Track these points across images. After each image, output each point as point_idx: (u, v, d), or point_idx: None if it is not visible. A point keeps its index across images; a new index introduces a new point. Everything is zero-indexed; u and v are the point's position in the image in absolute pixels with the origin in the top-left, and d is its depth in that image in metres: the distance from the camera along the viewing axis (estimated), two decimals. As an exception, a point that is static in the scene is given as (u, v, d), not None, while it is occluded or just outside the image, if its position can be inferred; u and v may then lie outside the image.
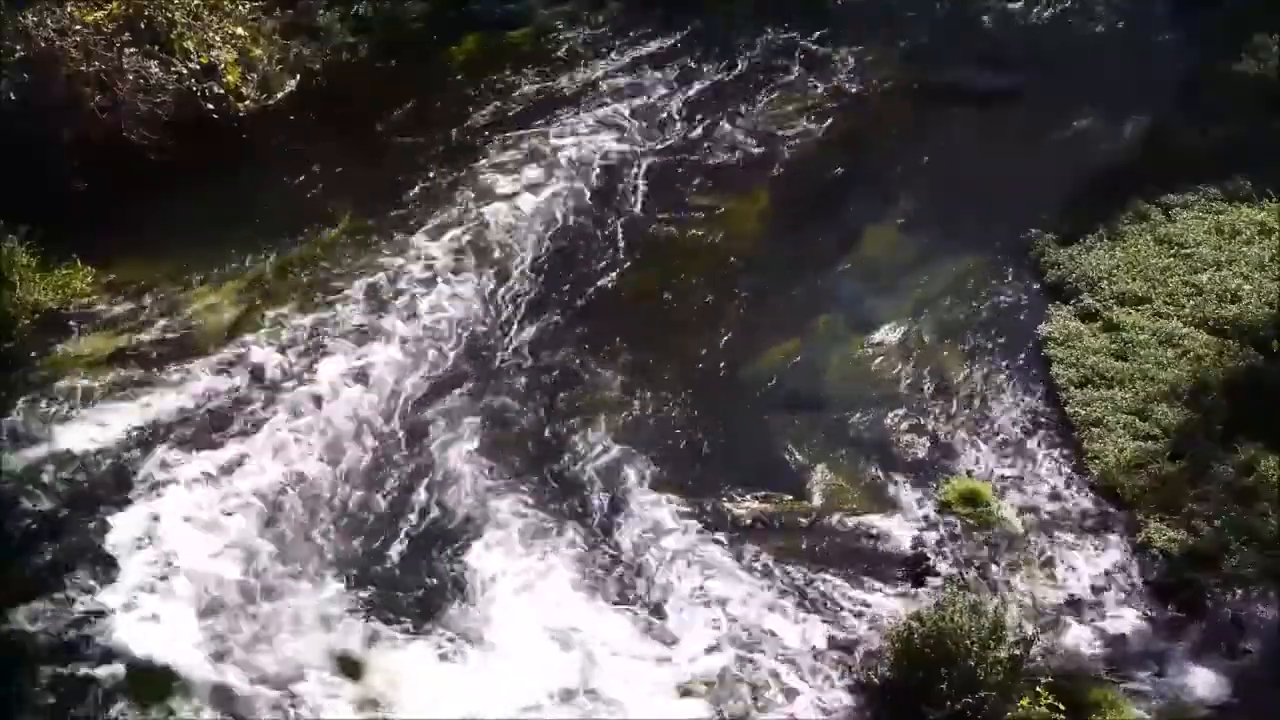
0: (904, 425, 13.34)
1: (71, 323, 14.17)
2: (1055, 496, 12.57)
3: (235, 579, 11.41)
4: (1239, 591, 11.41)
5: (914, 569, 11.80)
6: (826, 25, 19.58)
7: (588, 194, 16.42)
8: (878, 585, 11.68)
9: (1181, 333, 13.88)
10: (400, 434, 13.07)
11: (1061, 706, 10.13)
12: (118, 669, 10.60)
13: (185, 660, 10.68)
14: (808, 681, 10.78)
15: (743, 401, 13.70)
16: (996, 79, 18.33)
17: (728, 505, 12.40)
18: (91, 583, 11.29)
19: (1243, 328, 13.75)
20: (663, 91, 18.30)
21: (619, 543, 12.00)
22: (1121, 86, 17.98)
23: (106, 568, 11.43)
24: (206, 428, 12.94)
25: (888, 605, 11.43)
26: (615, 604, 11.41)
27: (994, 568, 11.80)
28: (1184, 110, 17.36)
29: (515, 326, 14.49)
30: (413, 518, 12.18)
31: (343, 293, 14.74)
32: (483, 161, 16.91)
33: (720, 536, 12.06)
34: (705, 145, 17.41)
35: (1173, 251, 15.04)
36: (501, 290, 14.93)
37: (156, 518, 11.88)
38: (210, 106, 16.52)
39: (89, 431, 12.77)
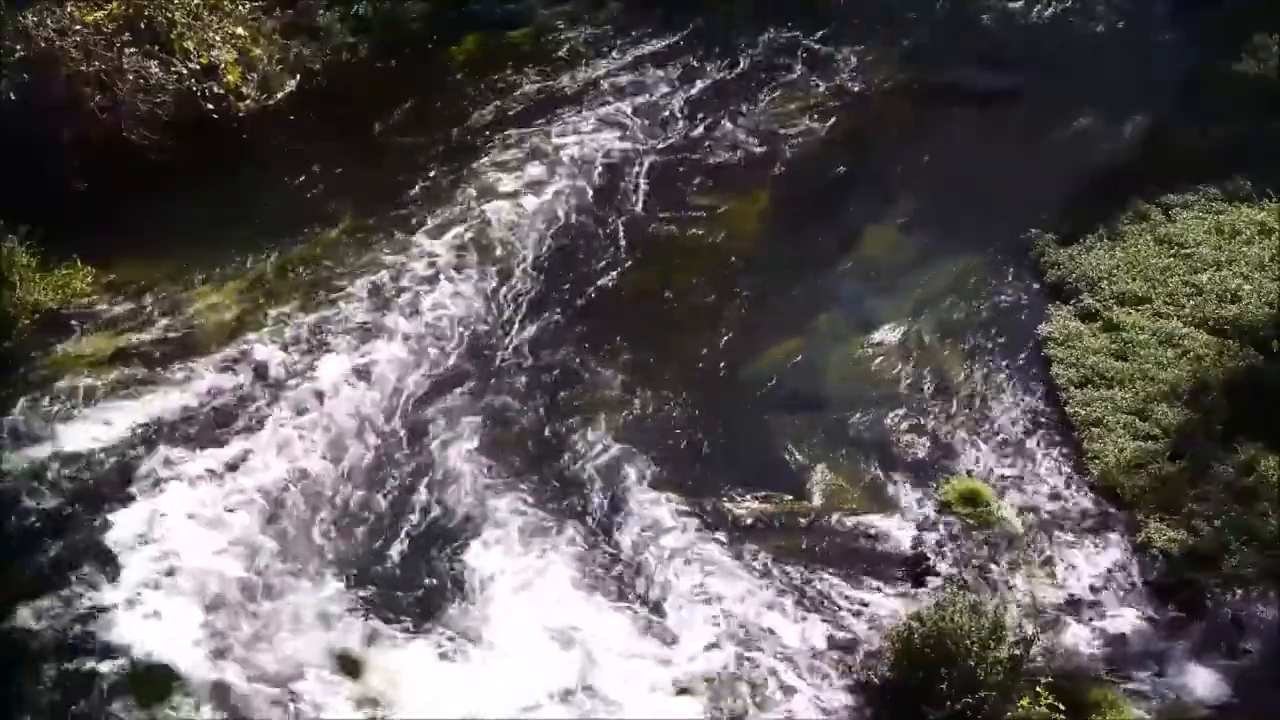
0: (904, 425, 13.34)
1: (72, 323, 14.18)
2: (1055, 496, 12.57)
3: (236, 577, 11.43)
4: (1239, 591, 11.41)
5: (914, 569, 11.80)
6: (827, 25, 19.59)
7: (588, 193, 16.43)
8: (878, 585, 11.68)
9: (1181, 333, 13.88)
10: (401, 432, 13.08)
11: (1061, 706, 10.13)
12: (119, 666, 10.61)
13: (186, 658, 10.69)
14: (807, 681, 10.78)
15: (743, 401, 13.70)
16: (996, 79, 18.34)
17: (728, 505, 12.41)
18: (94, 580, 11.31)
19: (1243, 328, 13.76)
20: (663, 91, 18.31)
21: (619, 542, 12.00)
22: (1121, 86, 17.98)
23: (109, 565, 11.45)
24: (208, 426, 12.95)
25: (888, 605, 11.44)
26: (615, 603, 11.42)
27: (994, 568, 11.80)
28: (1184, 110, 17.36)
29: (516, 325, 14.50)
30: (413, 516, 12.19)
31: (344, 291, 14.75)
32: (483, 161, 16.92)
33: (720, 536, 12.06)
34: (706, 144, 17.42)
35: (1173, 251, 15.04)
36: (502, 289, 14.95)
37: (158, 515, 11.89)
38: (210, 106, 16.52)
39: (91, 430, 12.78)
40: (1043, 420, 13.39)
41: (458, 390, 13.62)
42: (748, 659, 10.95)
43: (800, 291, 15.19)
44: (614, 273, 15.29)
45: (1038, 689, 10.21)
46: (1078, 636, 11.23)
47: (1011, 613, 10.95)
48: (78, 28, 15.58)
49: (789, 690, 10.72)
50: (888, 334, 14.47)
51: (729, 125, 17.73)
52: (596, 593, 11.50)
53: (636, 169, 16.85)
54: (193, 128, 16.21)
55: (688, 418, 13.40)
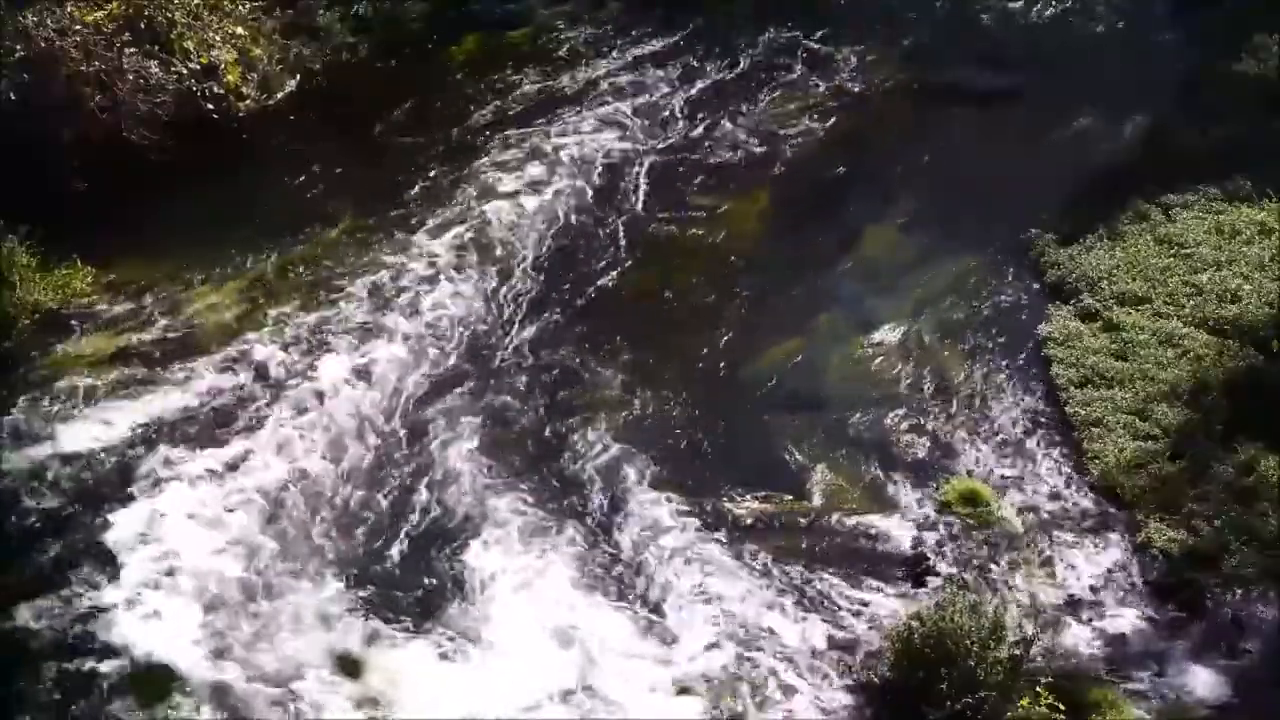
0: (904, 425, 13.34)
1: (72, 323, 14.18)
2: (1055, 496, 12.57)
3: (236, 576, 11.43)
4: (1239, 591, 11.41)
5: (914, 569, 11.80)
6: (826, 25, 19.58)
7: (588, 193, 16.43)
8: (878, 585, 11.68)
9: (1181, 333, 13.88)
10: (401, 432, 13.08)
11: (1061, 706, 10.13)
12: (120, 666, 10.62)
13: (186, 658, 10.70)
14: (807, 681, 10.78)
15: (743, 401, 13.70)
16: (996, 79, 18.33)
17: (728, 505, 12.41)
18: (94, 580, 11.32)
19: (1243, 328, 13.75)
20: (663, 91, 18.30)
21: (619, 541, 12.00)
22: (1121, 86, 17.97)
23: (109, 565, 11.45)
24: (208, 425, 12.95)
25: (888, 605, 11.43)
26: (615, 603, 11.41)
27: (994, 568, 11.80)
28: (1184, 110, 17.36)
29: (516, 325, 14.50)
30: (413, 516, 12.19)
31: (344, 291, 14.75)
32: (483, 161, 16.92)
33: (720, 536, 12.06)
34: (706, 144, 17.42)
35: (1173, 251, 15.04)
36: (502, 288, 14.95)
37: (158, 515, 11.90)
38: (210, 106, 16.51)
39: (91, 429, 12.78)
40: (1043, 420, 13.39)
41: (458, 390, 13.62)
42: (748, 659, 10.95)
43: (800, 291, 15.19)
44: (614, 272, 15.29)
45: (1038, 689, 10.21)
46: (1078, 636, 11.23)
47: (1011, 613, 10.95)
48: (78, 28, 15.58)
49: (789, 690, 10.72)
50: (888, 334, 14.47)
51: (729, 125, 17.73)
52: (596, 592, 11.50)
53: (636, 169, 16.85)
54: (193, 128, 16.21)
55: (688, 418, 13.40)
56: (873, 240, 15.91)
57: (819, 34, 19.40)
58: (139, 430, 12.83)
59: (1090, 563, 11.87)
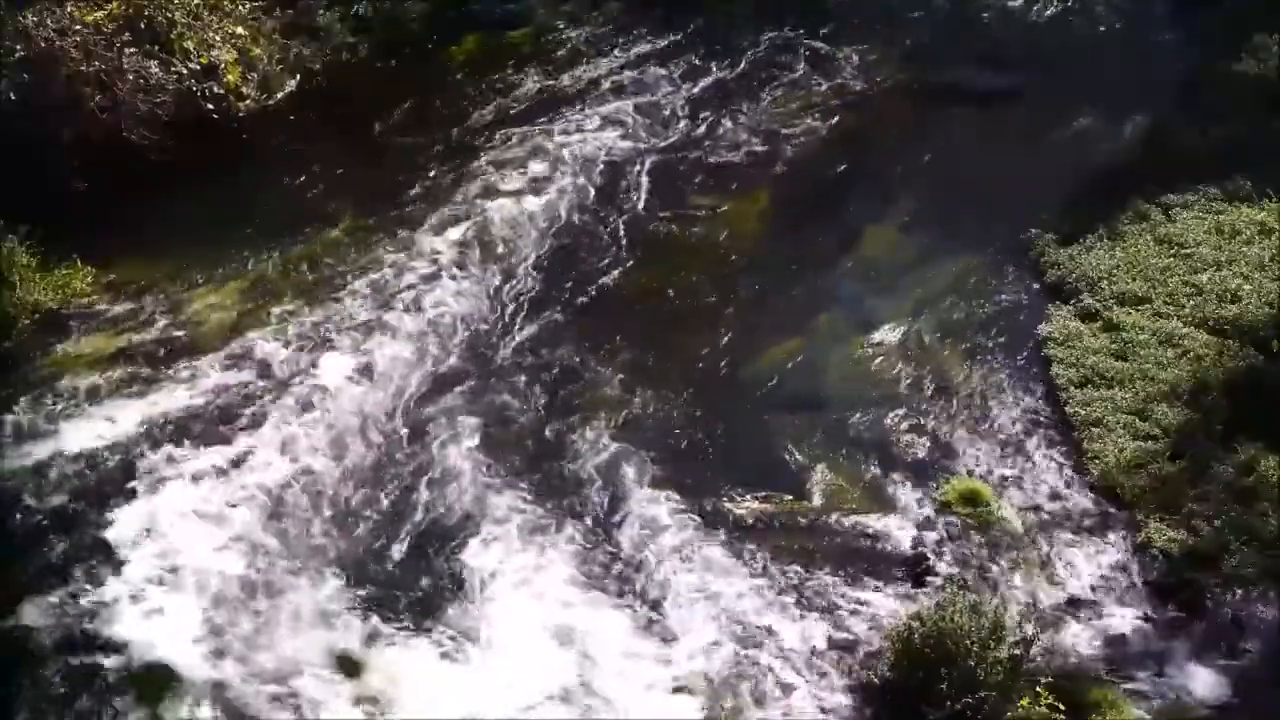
0: (904, 425, 13.34)
1: (72, 323, 14.17)
2: (1055, 496, 12.57)
3: (237, 574, 11.43)
4: (1239, 591, 11.41)
5: (914, 569, 11.80)
6: (827, 25, 19.59)
7: (589, 192, 16.43)
8: (878, 585, 11.68)
9: (1181, 333, 13.88)
10: (402, 430, 13.08)
11: (1061, 706, 10.13)
12: (121, 663, 10.63)
13: (187, 656, 10.70)
14: (807, 680, 10.78)
15: (743, 401, 13.70)
16: (996, 79, 18.34)
17: (727, 504, 12.41)
18: (95, 577, 11.32)
19: (1243, 328, 13.76)
20: (664, 90, 18.31)
21: (619, 541, 12.00)
22: (1121, 86, 17.98)
23: (110, 562, 11.46)
24: (210, 423, 12.95)
25: (887, 605, 11.44)
26: (614, 602, 11.41)
27: (994, 568, 11.80)
28: (1184, 110, 17.37)
29: (517, 324, 14.50)
30: (413, 515, 12.19)
31: (345, 290, 14.76)
32: (484, 160, 16.92)
33: (720, 535, 12.06)
34: (706, 144, 17.43)
35: (1173, 251, 15.04)
36: (503, 287, 14.95)
37: (160, 513, 11.90)
38: (210, 106, 16.51)
39: (92, 428, 12.78)
40: (1043, 420, 13.39)
41: (458, 388, 13.62)
42: (747, 658, 10.95)
43: (800, 291, 15.19)
44: (614, 272, 15.29)
45: (1038, 689, 10.21)
46: (1078, 636, 11.23)
47: (1011, 613, 10.95)
48: (78, 28, 15.57)
49: (788, 689, 10.72)
50: (888, 334, 14.47)
51: (728, 125, 17.73)
52: (596, 591, 11.50)
53: (637, 168, 16.86)
54: (193, 128, 16.20)
55: (688, 417, 13.41)
56: (873, 240, 15.92)
57: (819, 34, 19.40)
58: (141, 428, 12.82)
59: (1090, 563, 11.88)
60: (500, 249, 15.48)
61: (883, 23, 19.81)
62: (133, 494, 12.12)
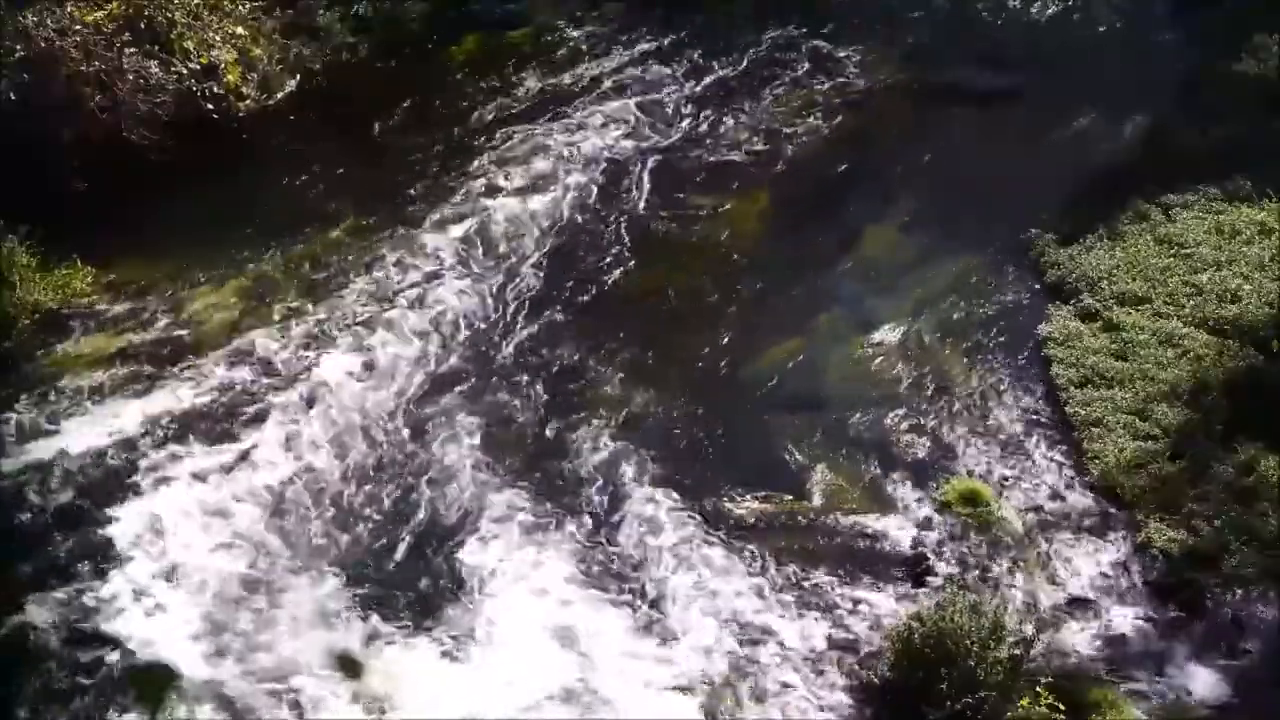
0: (904, 425, 13.34)
1: (72, 323, 14.16)
2: (1055, 496, 12.57)
3: (238, 573, 11.44)
4: (1239, 591, 11.42)
5: (914, 569, 11.80)
6: (826, 25, 19.57)
7: (590, 192, 16.41)
8: (877, 585, 11.68)
9: (1181, 333, 13.88)
10: (403, 429, 13.09)
11: (1061, 706, 10.13)
12: (121, 662, 10.64)
13: (187, 655, 10.71)
14: (807, 680, 10.78)
15: (743, 400, 13.70)
16: (996, 79, 18.33)
17: (727, 504, 12.41)
18: (96, 576, 11.32)
19: (1243, 328, 13.76)
20: (665, 89, 18.30)
21: (619, 540, 12.00)
22: (1121, 86, 17.98)
23: (111, 561, 11.46)
24: (211, 422, 12.96)
25: (887, 605, 11.44)
26: (614, 602, 11.41)
27: (994, 568, 11.80)
28: (1184, 110, 17.36)
29: (518, 322, 14.50)
30: (413, 513, 12.20)
31: (345, 289, 14.75)
32: (484, 160, 16.91)
33: (720, 535, 12.06)
34: (708, 142, 17.42)
35: (1173, 251, 15.04)
36: (504, 287, 14.95)
37: (161, 511, 11.91)
38: (210, 106, 16.48)
39: (93, 428, 12.78)
40: (1043, 420, 13.40)
41: (459, 388, 13.63)
42: (747, 658, 10.95)
43: (800, 291, 15.19)
44: (615, 271, 15.29)
45: (1038, 689, 10.21)
46: (1078, 636, 11.24)
47: (1011, 613, 10.95)
48: (78, 28, 15.55)
49: (788, 689, 10.72)
50: (888, 334, 14.47)
51: (730, 124, 17.72)
52: (596, 591, 11.50)
53: (638, 167, 16.86)
54: (193, 128, 16.18)
55: (688, 417, 13.41)
56: (873, 240, 15.91)
57: (819, 34, 19.37)
58: (143, 426, 12.83)
59: (1090, 563, 11.88)
60: (501, 247, 15.48)
61: (883, 22, 19.79)
62: (134, 492, 12.12)
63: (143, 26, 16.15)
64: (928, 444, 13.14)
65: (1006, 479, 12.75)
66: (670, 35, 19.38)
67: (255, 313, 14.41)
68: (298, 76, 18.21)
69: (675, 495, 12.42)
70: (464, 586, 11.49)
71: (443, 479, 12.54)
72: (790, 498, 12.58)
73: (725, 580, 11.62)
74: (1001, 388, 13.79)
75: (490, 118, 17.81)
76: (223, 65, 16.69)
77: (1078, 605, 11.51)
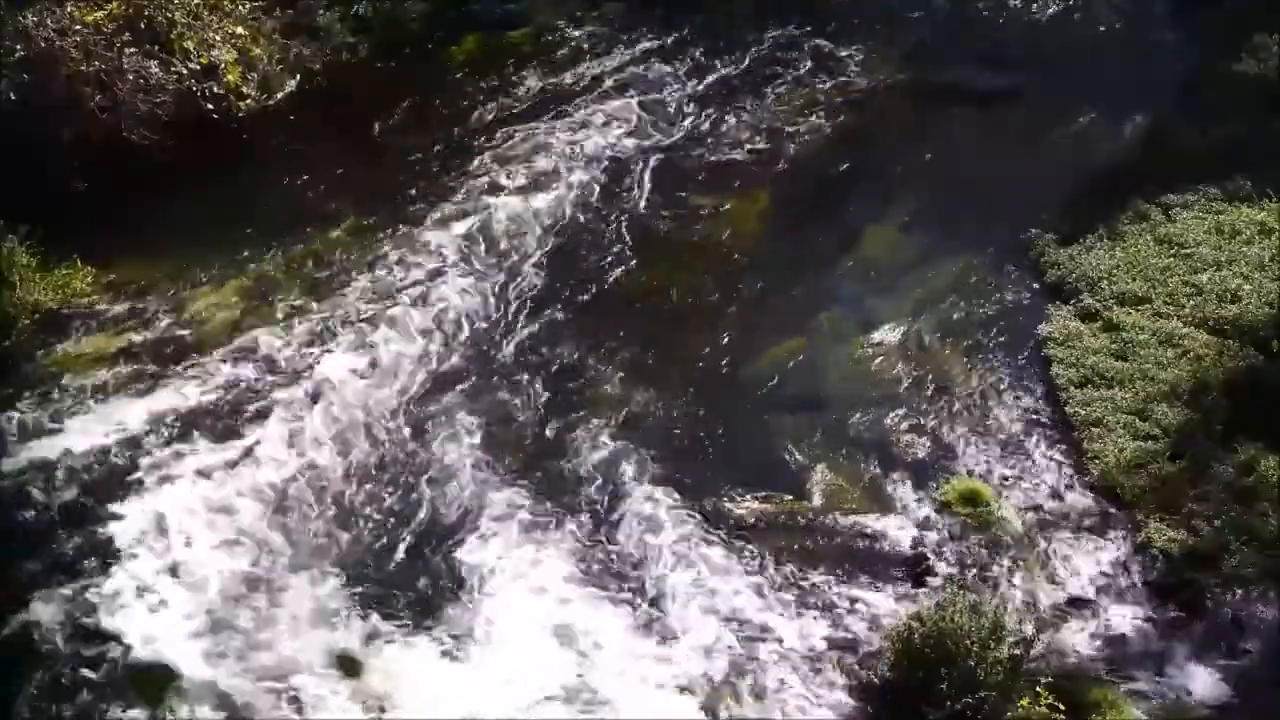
0: (904, 425, 13.34)
1: (72, 323, 14.16)
2: (1055, 496, 12.57)
3: (239, 572, 11.44)
4: (1239, 591, 11.42)
5: (914, 569, 11.80)
6: (826, 25, 19.58)
7: (590, 192, 16.42)
8: (877, 585, 11.68)
9: (1181, 333, 13.88)
10: (404, 429, 13.09)
11: (1061, 706, 10.13)
12: (122, 660, 10.64)
13: (188, 654, 10.71)
14: (806, 680, 10.78)
15: (743, 400, 13.70)
16: (996, 79, 18.33)
17: (727, 504, 12.41)
18: (97, 574, 11.32)
19: (1243, 328, 13.76)
20: (666, 88, 18.30)
21: (619, 539, 12.00)
22: (1121, 86, 17.98)
23: (112, 559, 11.46)
24: (212, 420, 12.97)
25: (887, 605, 11.44)
26: (614, 601, 11.41)
27: (994, 568, 11.80)
28: (1184, 110, 17.36)
29: (519, 321, 14.51)
30: (414, 512, 12.20)
31: (346, 289, 14.76)
32: (484, 160, 16.91)
33: (720, 535, 12.06)
34: (709, 141, 17.43)
35: (1173, 251, 15.04)
36: (505, 286, 14.95)
37: (164, 509, 11.91)
38: (210, 106, 16.48)
39: (93, 427, 12.78)
40: (1043, 420, 13.40)
41: (460, 386, 13.63)
42: (747, 658, 10.95)
43: (801, 291, 15.20)
44: (616, 270, 15.30)
45: (1038, 689, 10.21)
46: (1078, 636, 11.24)
47: (1011, 613, 10.95)
48: (78, 28, 15.55)
49: (788, 689, 10.72)
50: (888, 334, 14.47)
51: (731, 122, 17.73)
52: (596, 589, 11.50)
53: (639, 166, 16.87)
54: (193, 128, 16.18)
55: (688, 416, 13.41)
56: (873, 240, 15.92)
57: (819, 34, 19.38)
58: (139, 427, 12.82)
59: (1090, 563, 11.88)
60: (502, 246, 15.48)
61: (883, 22, 19.80)
62: (138, 489, 12.13)
63: (143, 26, 16.15)
64: (928, 444, 13.14)
65: (1006, 479, 12.75)
66: (671, 35, 19.38)
67: (257, 311, 14.42)
68: (298, 76, 18.21)
69: (675, 494, 12.43)
70: (464, 585, 11.50)
71: (443, 477, 12.55)
72: (790, 497, 12.58)
73: (725, 579, 11.63)
74: (1001, 388, 13.79)
75: (491, 117, 17.81)
76: (223, 65, 16.69)
77: (1078, 605, 11.51)
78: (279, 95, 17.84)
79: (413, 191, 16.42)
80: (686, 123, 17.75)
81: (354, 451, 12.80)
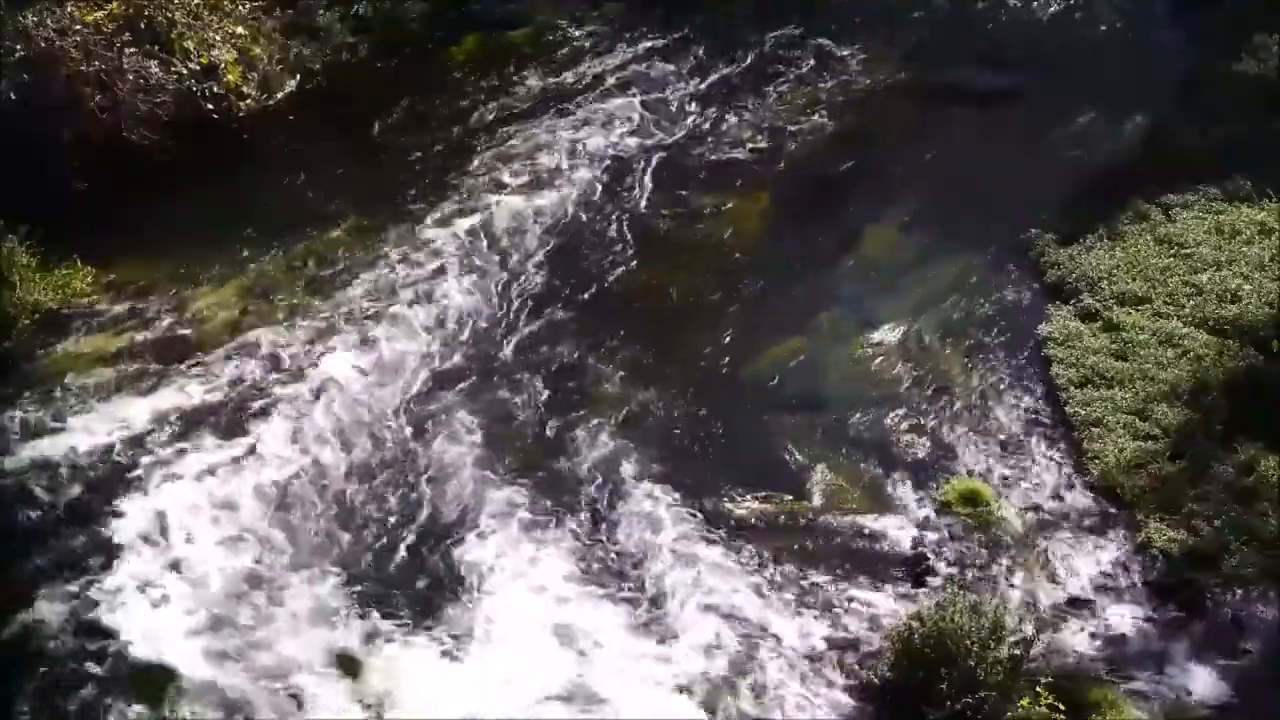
0: (904, 425, 13.34)
1: (72, 323, 14.17)
2: (1055, 496, 12.57)
3: (239, 571, 11.45)
4: (1239, 591, 11.41)
5: (914, 569, 11.80)
6: (826, 25, 19.59)
7: (590, 191, 16.43)
8: (877, 585, 11.68)
9: (1181, 333, 13.88)
10: (405, 428, 13.10)
11: (1061, 706, 10.12)
12: (122, 659, 10.64)
13: (188, 653, 10.71)
14: (806, 680, 10.78)
15: (743, 400, 13.70)
16: (996, 79, 18.33)
17: (727, 504, 12.41)
18: (97, 573, 11.33)
19: (1243, 328, 13.76)
20: (667, 88, 18.32)
21: (619, 538, 12.01)
22: (1121, 86, 17.98)
23: (112, 559, 11.47)
24: (215, 418, 12.98)
25: (887, 605, 11.43)
26: (613, 599, 11.41)
27: (994, 568, 11.80)
28: (1184, 110, 17.36)
29: (519, 320, 14.52)
30: (414, 511, 12.20)
31: (346, 289, 14.77)
32: (484, 160, 16.92)
33: (720, 535, 12.06)
34: (710, 140, 17.44)
35: (1173, 251, 15.04)
36: (505, 285, 14.97)
37: (166, 507, 11.92)
38: (210, 106, 16.50)
39: (96, 425, 12.79)
40: (1043, 420, 13.39)
41: (461, 384, 13.64)
42: (747, 658, 10.95)
43: (801, 291, 15.20)
44: (616, 270, 15.31)
45: (1038, 689, 10.20)
46: (1078, 636, 11.23)
47: (1011, 613, 10.95)
48: (78, 28, 15.57)
49: (787, 689, 10.72)
50: (888, 334, 14.47)
51: (732, 121, 17.75)
52: (596, 589, 11.50)
53: (640, 165, 16.88)
54: (193, 128, 16.20)
55: (688, 416, 13.41)
56: (873, 240, 15.92)
57: (819, 34, 19.39)
58: (147, 423, 12.84)
59: (1090, 563, 11.88)
60: (503, 244, 15.50)
61: (883, 22, 19.81)
62: (140, 487, 12.14)
63: (143, 26, 16.17)
64: (928, 444, 13.14)
65: (1006, 479, 12.75)
66: (672, 34, 19.40)
67: (258, 310, 14.44)
68: (298, 76, 18.23)
69: (675, 494, 12.43)
70: (463, 584, 11.50)
71: (443, 476, 12.55)
72: (790, 497, 12.58)
73: (725, 578, 11.62)
74: (1001, 387, 13.80)
75: (491, 117, 17.83)
76: (223, 65, 16.70)
77: (1078, 605, 11.50)
78: (279, 95, 17.86)
79: (413, 191, 16.43)
80: (688, 122, 17.77)
81: (355, 450, 12.81)
